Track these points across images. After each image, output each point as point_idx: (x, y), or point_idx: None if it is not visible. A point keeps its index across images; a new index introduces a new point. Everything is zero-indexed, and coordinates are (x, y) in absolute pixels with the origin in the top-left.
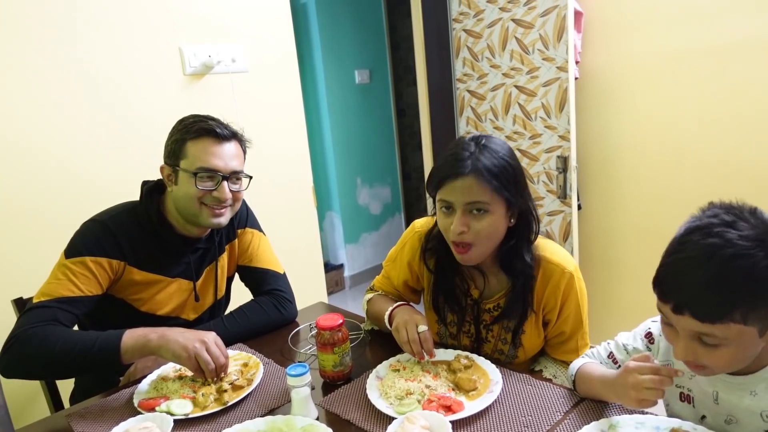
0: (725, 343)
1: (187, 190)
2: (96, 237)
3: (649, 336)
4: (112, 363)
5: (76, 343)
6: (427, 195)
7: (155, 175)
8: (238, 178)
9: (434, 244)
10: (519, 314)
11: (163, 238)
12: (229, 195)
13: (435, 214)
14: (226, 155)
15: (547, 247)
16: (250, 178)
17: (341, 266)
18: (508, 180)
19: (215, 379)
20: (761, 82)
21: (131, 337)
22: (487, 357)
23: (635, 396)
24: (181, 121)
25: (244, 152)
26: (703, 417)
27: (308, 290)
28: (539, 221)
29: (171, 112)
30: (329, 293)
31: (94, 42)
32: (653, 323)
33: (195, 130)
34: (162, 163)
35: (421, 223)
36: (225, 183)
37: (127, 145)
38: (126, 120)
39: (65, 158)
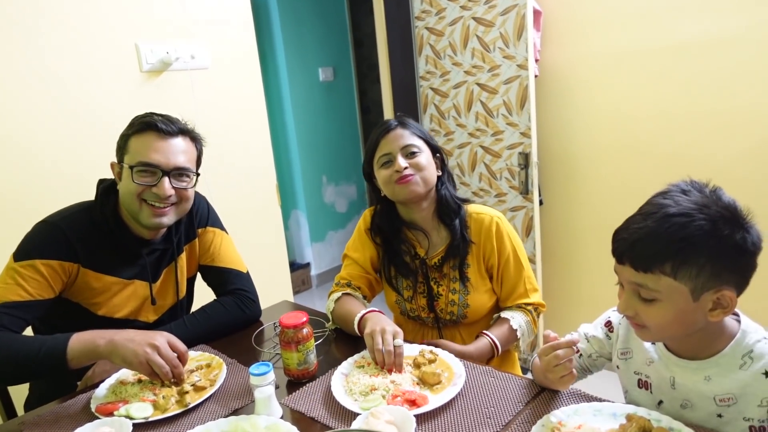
0: (658, 297)
1: (127, 186)
2: (47, 239)
3: (608, 324)
4: (59, 369)
5: (21, 348)
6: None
7: (112, 174)
8: (183, 175)
9: (377, 221)
10: (461, 252)
11: (119, 239)
12: (170, 192)
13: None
14: (169, 151)
15: (472, 205)
16: (197, 175)
17: (308, 265)
18: (427, 134)
19: (173, 380)
20: (712, 79)
21: (78, 341)
22: (443, 313)
23: (552, 378)
24: (133, 119)
25: (199, 150)
26: (660, 402)
27: (274, 289)
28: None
29: (128, 109)
30: (296, 292)
31: (47, 38)
32: (613, 312)
33: (138, 124)
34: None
35: (369, 210)
36: (165, 179)
37: (82, 144)
38: (81, 118)
39: (18, 157)
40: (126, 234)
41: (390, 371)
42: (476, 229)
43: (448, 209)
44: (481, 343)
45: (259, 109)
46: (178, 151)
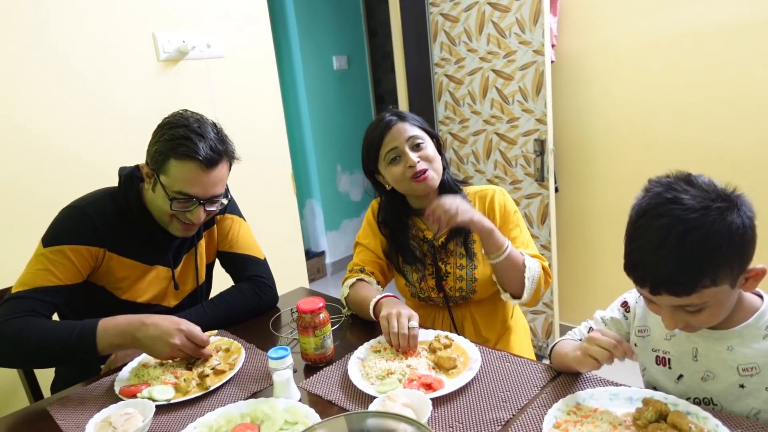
0: (706, 305)
1: (162, 205)
2: (74, 224)
3: (625, 305)
4: (89, 356)
5: (51, 337)
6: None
7: (130, 162)
8: (217, 201)
9: (382, 215)
10: (464, 230)
11: (142, 225)
12: (203, 218)
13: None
14: (209, 183)
15: (472, 186)
16: (228, 200)
17: (322, 253)
18: (423, 122)
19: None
20: (730, 67)
21: (105, 334)
22: (452, 290)
23: (579, 362)
24: (169, 126)
25: (231, 164)
26: (680, 377)
27: (290, 277)
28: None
29: (146, 98)
30: (311, 280)
31: (66, 28)
32: (629, 294)
33: (182, 151)
34: (142, 155)
35: (377, 200)
36: (201, 208)
37: (101, 132)
38: (100, 107)
39: (41, 146)
40: (149, 221)
41: (405, 354)
42: (480, 204)
43: (450, 193)
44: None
45: (274, 97)
46: (217, 181)
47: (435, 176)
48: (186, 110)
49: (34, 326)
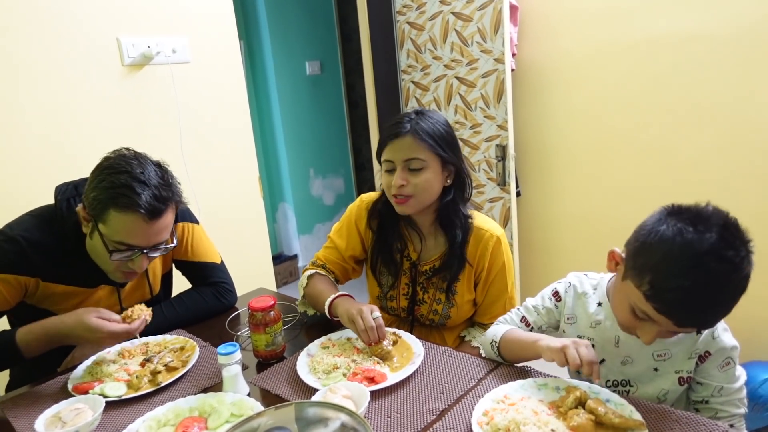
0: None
1: (101, 253)
2: (4, 253)
3: (556, 295)
4: (15, 361)
5: None
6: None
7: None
8: (161, 248)
9: (380, 207)
10: (454, 270)
11: (82, 255)
12: (146, 265)
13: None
14: (152, 233)
15: (477, 216)
16: (174, 245)
17: (295, 257)
18: (443, 142)
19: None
20: (684, 74)
21: (27, 334)
22: (422, 318)
23: (564, 350)
24: (109, 171)
25: (177, 209)
26: (602, 361)
27: (256, 279)
28: (472, 182)
29: (109, 103)
30: (283, 284)
31: (27, 31)
32: (558, 284)
33: (123, 202)
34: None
35: (367, 195)
36: (144, 257)
37: (63, 138)
38: (63, 112)
39: None
40: (88, 257)
41: (376, 344)
42: (474, 243)
43: (450, 221)
44: None
45: (241, 102)
46: (161, 229)
47: (413, 206)
48: (128, 150)
49: None
